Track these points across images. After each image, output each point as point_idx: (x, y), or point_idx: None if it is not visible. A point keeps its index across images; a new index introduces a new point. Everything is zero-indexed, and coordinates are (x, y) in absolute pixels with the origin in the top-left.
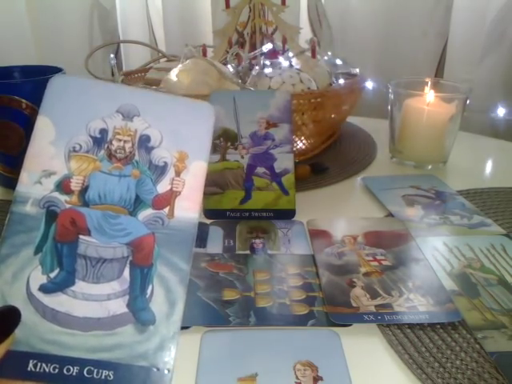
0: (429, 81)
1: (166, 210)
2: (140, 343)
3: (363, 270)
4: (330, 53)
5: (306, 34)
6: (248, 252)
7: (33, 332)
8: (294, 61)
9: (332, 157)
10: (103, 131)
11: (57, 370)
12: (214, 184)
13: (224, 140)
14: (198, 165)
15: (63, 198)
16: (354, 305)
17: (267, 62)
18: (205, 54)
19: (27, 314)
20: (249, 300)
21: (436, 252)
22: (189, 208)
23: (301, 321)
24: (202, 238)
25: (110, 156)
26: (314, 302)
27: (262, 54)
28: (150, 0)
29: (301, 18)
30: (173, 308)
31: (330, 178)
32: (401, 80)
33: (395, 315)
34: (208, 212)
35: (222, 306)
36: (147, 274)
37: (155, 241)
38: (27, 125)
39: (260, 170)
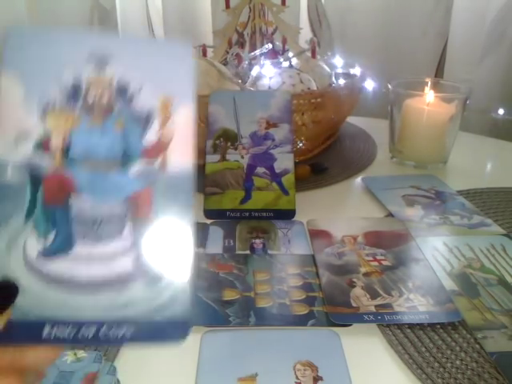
0: (429, 81)
1: (158, 162)
2: (153, 298)
3: (363, 270)
4: (329, 53)
5: (306, 34)
6: (248, 252)
7: (40, 300)
8: (294, 61)
9: (332, 157)
10: (76, 84)
11: (72, 333)
12: (214, 184)
13: (224, 140)
14: (185, 109)
15: (45, 159)
16: (354, 305)
17: (267, 62)
18: (205, 54)
19: (30, 283)
20: (249, 300)
21: (436, 252)
22: (181, 158)
23: (301, 321)
24: (202, 238)
25: (88, 110)
26: (314, 302)
27: (262, 54)
28: (150, 0)
29: (301, 18)
30: (181, 260)
31: (330, 178)
32: (401, 80)
33: (395, 315)
34: (208, 212)
35: (222, 306)
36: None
37: (152, 194)
38: None
39: (260, 170)
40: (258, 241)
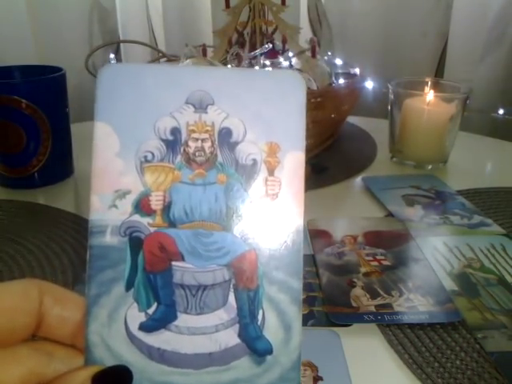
0: (429, 81)
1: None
2: (259, 376)
3: (363, 269)
4: (329, 53)
5: (306, 33)
6: None
7: (142, 375)
8: (294, 61)
9: (332, 157)
10: (175, 130)
11: None
12: None
13: None
14: (294, 156)
15: (145, 220)
16: (354, 305)
17: (267, 62)
18: (205, 54)
19: (132, 357)
20: None
21: (436, 252)
22: (290, 213)
23: None
24: None
25: (189, 161)
26: (314, 302)
27: (262, 53)
28: (150, 0)
29: (301, 17)
30: (289, 333)
31: (330, 178)
32: (401, 80)
33: (395, 315)
34: None
35: None
36: (255, 298)
37: (257, 257)
38: (27, 125)
39: None
40: None
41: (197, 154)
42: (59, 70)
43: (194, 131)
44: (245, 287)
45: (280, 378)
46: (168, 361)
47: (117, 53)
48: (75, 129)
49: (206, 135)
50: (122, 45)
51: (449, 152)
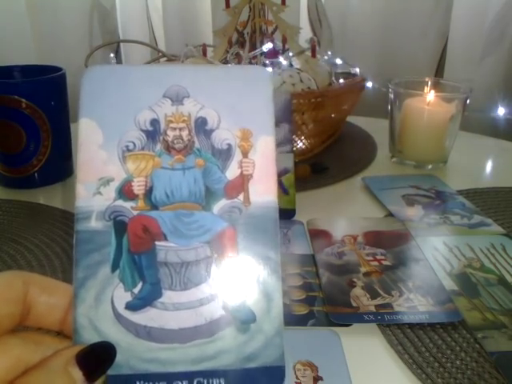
0: (429, 81)
1: (241, 197)
2: (244, 345)
3: (363, 269)
4: (329, 52)
5: (306, 33)
6: None
7: (130, 353)
8: (294, 60)
9: (332, 157)
10: (154, 122)
11: None
12: None
13: None
14: (265, 140)
15: (128, 204)
16: (354, 305)
17: (267, 62)
18: (205, 54)
19: (120, 336)
20: None
21: (436, 252)
22: (265, 191)
23: (301, 321)
24: None
25: (168, 149)
26: (314, 302)
27: (262, 53)
28: (149, 0)
29: (301, 17)
30: (270, 302)
31: (330, 177)
32: (401, 80)
33: (395, 315)
34: None
35: None
36: (236, 271)
37: (236, 232)
38: (27, 125)
39: None
40: None
41: (175, 141)
42: (59, 69)
43: (171, 121)
44: (226, 261)
45: (264, 345)
46: (155, 337)
47: (117, 53)
48: (75, 129)
49: (183, 125)
50: (121, 45)
51: (449, 152)
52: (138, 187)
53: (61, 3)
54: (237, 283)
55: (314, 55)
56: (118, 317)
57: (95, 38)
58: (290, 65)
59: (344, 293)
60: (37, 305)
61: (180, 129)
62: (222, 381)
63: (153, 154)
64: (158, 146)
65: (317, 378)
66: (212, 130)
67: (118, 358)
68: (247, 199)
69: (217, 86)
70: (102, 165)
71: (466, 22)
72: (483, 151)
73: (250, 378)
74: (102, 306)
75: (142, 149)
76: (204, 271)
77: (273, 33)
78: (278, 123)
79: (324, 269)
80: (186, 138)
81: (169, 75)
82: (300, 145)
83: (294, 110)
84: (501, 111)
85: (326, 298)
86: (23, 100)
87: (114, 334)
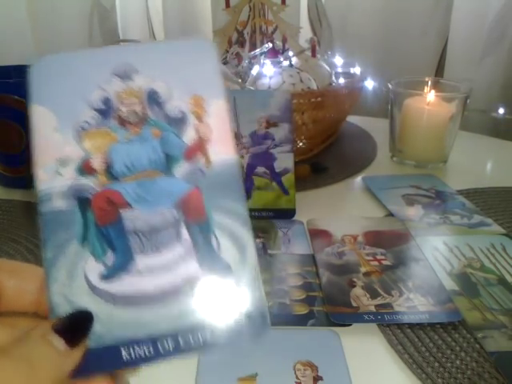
0: (429, 80)
1: (201, 159)
2: (224, 296)
3: (363, 269)
4: (330, 52)
5: (306, 33)
6: None
7: (111, 323)
8: (294, 60)
9: (332, 157)
10: (106, 100)
11: (152, 350)
12: None
13: None
14: (217, 104)
15: (90, 181)
16: (354, 305)
17: (267, 62)
18: None
19: (98, 308)
20: None
21: (436, 252)
22: (223, 150)
23: (301, 321)
24: None
25: (123, 123)
26: (314, 302)
27: (262, 53)
28: (150, 0)
29: (301, 17)
30: (244, 253)
31: (330, 177)
32: (401, 80)
33: (395, 315)
34: None
35: None
36: (206, 228)
37: (201, 192)
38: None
39: (260, 169)
40: (257, 240)
41: (129, 116)
42: None
43: (123, 97)
44: (194, 221)
45: (244, 294)
46: (134, 303)
47: None
48: None
49: (135, 99)
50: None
51: (449, 152)
52: (98, 163)
53: (61, 3)
54: (209, 240)
55: (313, 55)
56: (93, 289)
57: (95, 38)
58: (290, 65)
59: (344, 293)
60: (7, 289)
61: (132, 104)
62: (207, 334)
63: (108, 131)
64: (113, 122)
65: (317, 378)
66: (165, 101)
67: (100, 329)
68: (208, 160)
69: (163, 60)
70: (59, 147)
71: (466, 22)
72: (483, 151)
73: (233, 328)
74: (76, 281)
75: (97, 127)
76: (174, 234)
77: (273, 33)
78: (278, 123)
79: (324, 269)
80: (139, 112)
81: (114, 54)
82: (300, 145)
83: (294, 110)
84: (500, 111)
85: (326, 297)
86: (23, 100)
87: (92, 306)
